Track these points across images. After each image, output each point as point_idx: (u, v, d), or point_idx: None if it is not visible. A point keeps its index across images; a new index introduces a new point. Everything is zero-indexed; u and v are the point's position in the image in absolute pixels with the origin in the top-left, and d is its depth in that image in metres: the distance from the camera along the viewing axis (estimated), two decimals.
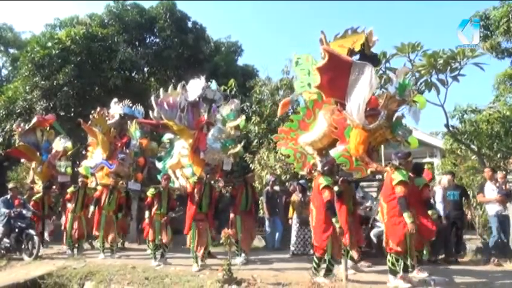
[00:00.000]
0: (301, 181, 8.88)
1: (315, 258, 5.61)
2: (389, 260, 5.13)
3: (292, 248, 8.33)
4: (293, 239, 8.35)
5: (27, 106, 15.28)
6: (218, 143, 7.31)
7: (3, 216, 8.63)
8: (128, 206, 9.51)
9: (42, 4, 47.48)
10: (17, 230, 8.62)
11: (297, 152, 6.81)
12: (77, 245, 9.09)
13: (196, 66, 17.01)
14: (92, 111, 9.68)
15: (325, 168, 5.72)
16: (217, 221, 8.68)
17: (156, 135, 11.78)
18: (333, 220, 5.34)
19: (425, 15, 46.49)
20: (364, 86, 5.40)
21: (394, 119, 5.67)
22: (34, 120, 11.11)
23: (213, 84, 8.06)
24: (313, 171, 6.36)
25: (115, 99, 10.33)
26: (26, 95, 15.32)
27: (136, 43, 17.79)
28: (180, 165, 8.30)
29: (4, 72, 28.14)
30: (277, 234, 9.25)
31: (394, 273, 5.11)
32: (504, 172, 7.57)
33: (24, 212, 8.74)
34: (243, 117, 7.68)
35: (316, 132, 6.40)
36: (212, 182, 7.41)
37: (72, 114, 14.73)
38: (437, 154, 13.73)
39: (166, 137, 9.01)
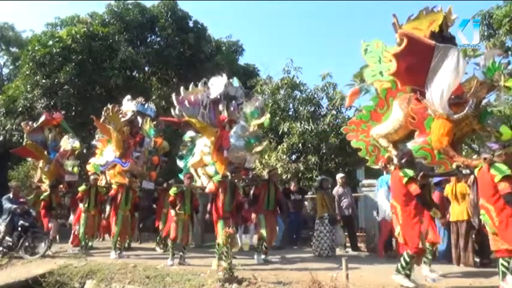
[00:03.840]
0: (323, 176, 8.49)
1: (406, 258, 4.96)
2: (502, 264, 4.57)
3: (317, 248, 7.83)
4: (320, 238, 7.83)
5: (28, 105, 15.33)
6: (242, 140, 7.13)
7: (7, 214, 8.55)
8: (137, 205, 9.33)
9: (43, 3, 47.51)
10: (20, 228, 8.50)
11: (369, 145, 6.44)
12: (86, 245, 8.97)
13: (198, 65, 17.04)
14: (105, 108, 9.37)
15: (403, 160, 5.18)
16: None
17: (170, 134, 11.71)
18: (431, 213, 5.06)
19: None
20: (449, 72, 5.03)
21: (481, 106, 5.26)
22: (42, 118, 11.02)
23: (235, 81, 7.90)
24: (388, 165, 5.96)
25: (128, 96, 10.16)
26: (27, 94, 15.37)
27: (138, 42, 17.83)
28: (202, 164, 8.12)
29: (5, 71, 28.24)
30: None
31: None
32: None
33: (31, 210, 8.65)
34: (268, 115, 7.48)
35: (391, 123, 6.06)
36: (236, 180, 7.20)
37: (73, 113, 14.75)
38: None
39: (188, 135, 8.87)
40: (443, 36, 5.49)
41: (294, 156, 12.58)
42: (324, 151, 11.90)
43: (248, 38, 56.11)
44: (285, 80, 13.55)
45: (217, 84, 7.52)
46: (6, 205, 8.59)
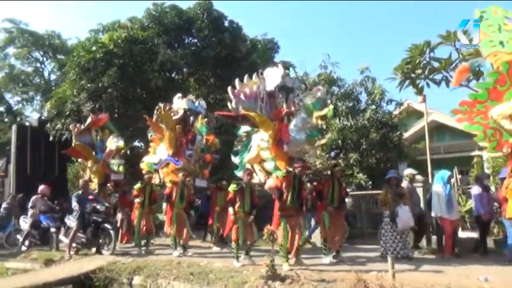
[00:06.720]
0: (391, 172, 7.91)
1: None
2: None
3: (381, 248, 7.38)
4: (385, 238, 7.34)
5: (75, 108, 16.02)
6: (303, 133, 6.80)
7: (76, 212, 8.85)
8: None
9: (86, 10, 49.63)
10: (93, 224, 8.78)
11: (488, 129, 5.78)
12: (145, 241, 9.10)
13: (234, 64, 17.12)
14: (157, 107, 9.44)
15: None
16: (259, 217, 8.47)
17: (221, 131, 11.71)
18: None
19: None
20: None
21: None
22: (89, 120, 11.47)
23: (292, 72, 7.62)
24: None
25: (179, 94, 10.22)
26: (74, 98, 16.06)
27: (176, 44, 18.13)
28: (259, 159, 7.79)
29: (53, 77, 29.78)
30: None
31: None
32: None
33: (98, 207, 8.89)
34: (331, 106, 7.08)
35: None
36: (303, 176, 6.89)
37: (116, 115, 15.25)
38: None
39: (243, 130, 8.59)
40: None
41: (333, 153, 12.40)
42: (364, 147, 11.65)
43: (283, 35, 55.93)
44: (322, 75, 13.38)
45: (273, 76, 7.16)
46: (74, 205, 8.83)
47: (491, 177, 9.24)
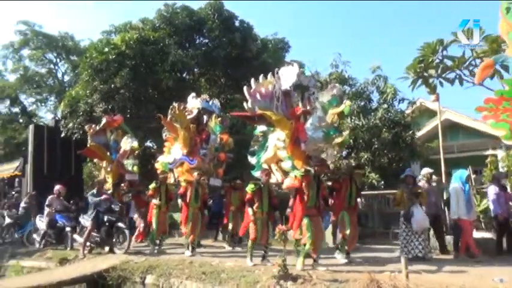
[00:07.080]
0: (408, 171, 7.87)
1: None
2: None
3: (401, 249, 7.27)
4: (402, 238, 7.25)
5: (88, 109, 16.19)
6: (320, 132, 6.72)
7: (92, 209, 9.00)
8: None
9: (98, 12, 50.21)
10: (107, 223, 8.91)
11: None
12: (158, 241, 9.11)
13: (245, 64, 17.11)
14: (171, 106, 9.44)
15: None
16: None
17: (232, 131, 11.82)
18: None
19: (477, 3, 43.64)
20: None
21: None
22: (104, 121, 11.60)
23: (307, 70, 7.58)
24: None
25: (193, 94, 10.25)
26: (87, 99, 16.23)
27: (187, 45, 18.16)
28: (276, 159, 7.70)
29: (66, 78, 30.22)
30: None
31: None
32: None
33: (113, 206, 9.04)
34: (348, 102, 6.98)
35: None
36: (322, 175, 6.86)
37: (128, 116, 15.38)
38: (502, 145, 12.88)
39: (259, 129, 8.49)
40: None
41: (344, 153, 12.33)
42: (376, 146, 11.57)
43: (294, 35, 55.85)
44: (333, 75, 13.32)
45: (288, 75, 7.09)
46: (91, 200, 8.96)
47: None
